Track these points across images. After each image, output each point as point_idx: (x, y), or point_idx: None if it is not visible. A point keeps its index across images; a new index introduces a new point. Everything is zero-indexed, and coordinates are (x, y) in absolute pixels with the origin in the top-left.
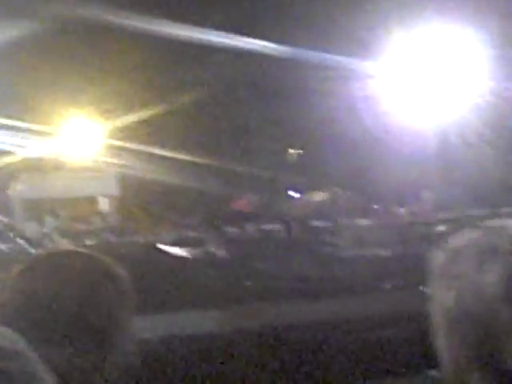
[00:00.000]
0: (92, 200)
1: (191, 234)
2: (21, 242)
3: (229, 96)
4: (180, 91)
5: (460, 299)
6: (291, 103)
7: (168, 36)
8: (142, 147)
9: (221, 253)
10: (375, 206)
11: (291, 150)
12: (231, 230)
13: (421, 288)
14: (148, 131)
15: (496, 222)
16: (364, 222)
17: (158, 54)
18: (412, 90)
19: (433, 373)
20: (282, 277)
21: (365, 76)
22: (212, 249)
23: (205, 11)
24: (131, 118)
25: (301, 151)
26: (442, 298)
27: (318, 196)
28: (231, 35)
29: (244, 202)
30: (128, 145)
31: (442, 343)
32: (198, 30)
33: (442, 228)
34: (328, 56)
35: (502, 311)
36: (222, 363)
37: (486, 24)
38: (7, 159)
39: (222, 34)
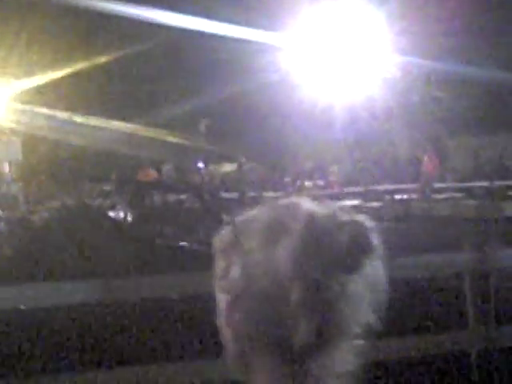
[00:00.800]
0: None
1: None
2: None
3: (138, 63)
4: (88, 55)
5: (246, 275)
6: (201, 74)
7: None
8: (47, 111)
9: (128, 220)
10: (286, 179)
11: (203, 120)
12: (139, 199)
13: None
14: (55, 95)
15: (286, 200)
16: (271, 194)
17: (64, 20)
18: (319, 63)
19: None
20: (187, 246)
21: (274, 48)
22: (121, 216)
23: None
24: (36, 81)
25: (209, 122)
26: (226, 274)
27: (226, 167)
28: (141, 7)
29: (152, 172)
30: (33, 108)
31: (226, 321)
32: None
33: (348, 202)
34: (237, 28)
35: (289, 288)
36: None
37: None
38: None
39: (133, 5)
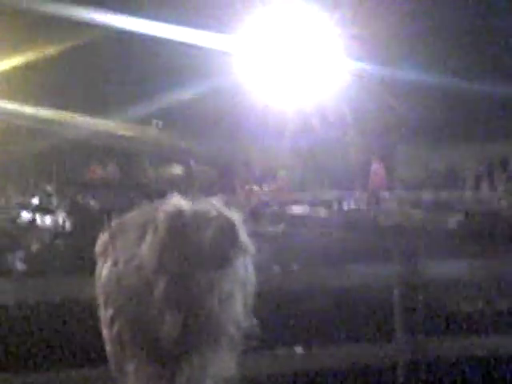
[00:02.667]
0: None
1: (45, 200)
2: None
3: (90, 59)
4: (38, 47)
5: (115, 273)
6: (152, 78)
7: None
8: None
9: (70, 222)
10: (234, 183)
11: (155, 121)
12: (86, 200)
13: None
14: (5, 86)
15: (160, 202)
16: (219, 198)
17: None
18: (272, 69)
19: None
20: None
21: (226, 54)
22: (62, 217)
23: None
24: None
25: (160, 123)
26: (103, 273)
27: (174, 169)
28: (89, 10)
29: (101, 171)
30: None
31: (101, 322)
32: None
33: (295, 209)
34: (187, 30)
35: (154, 283)
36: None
37: (342, 3)
38: None
39: (76, 6)
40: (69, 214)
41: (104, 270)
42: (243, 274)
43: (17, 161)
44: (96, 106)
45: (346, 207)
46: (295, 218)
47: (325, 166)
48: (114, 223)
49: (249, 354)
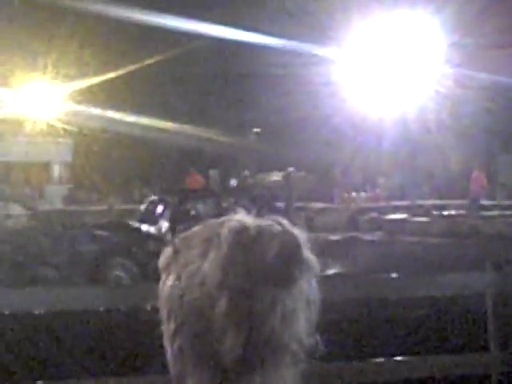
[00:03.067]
0: (46, 166)
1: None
2: None
3: (191, 68)
4: (140, 57)
5: (178, 288)
6: (253, 86)
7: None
8: (100, 111)
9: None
10: (334, 190)
11: (253, 130)
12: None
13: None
14: (106, 95)
15: (223, 218)
16: (318, 204)
17: (116, 22)
18: (372, 76)
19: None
20: None
21: (325, 61)
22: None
23: None
24: (89, 81)
25: (259, 131)
26: (165, 288)
27: (274, 176)
28: (191, 20)
29: (200, 178)
30: (86, 109)
31: (164, 337)
32: (155, 14)
33: (393, 216)
34: (289, 41)
35: (217, 299)
36: None
37: (444, 11)
38: None
39: (180, 18)
40: (172, 221)
41: (167, 284)
42: (307, 292)
43: (120, 168)
44: (196, 114)
45: (446, 214)
46: (394, 224)
47: (425, 173)
48: (178, 238)
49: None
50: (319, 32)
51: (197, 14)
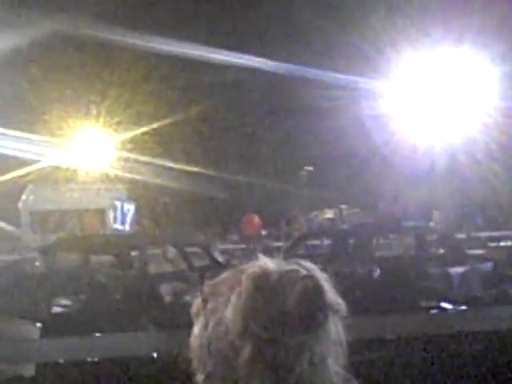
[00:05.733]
0: (101, 212)
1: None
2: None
3: (237, 111)
4: (188, 104)
5: (207, 336)
6: (302, 121)
7: (176, 53)
8: (152, 159)
9: None
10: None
11: (305, 168)
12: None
13: None
14: (158, 143)
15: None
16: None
17: (167, 69)
18: (421, 108)
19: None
20: None
21: (375, 95)
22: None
23: (213, 30)
24: (141, 129)
25: (311, 168)
26: (194, 336)
27: (327, 214)
28: (239, 54)
29: (255, 221)
30: (138, 156)
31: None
32: (205, 48)
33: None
34: (338, 75)
35: (240, 347)
36: None
37: (494, 43)
38: (18, 171)
39: (229, 51)
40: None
41: (195, 333)
42: (335, 334)
43: (172, 213)
44: (246, 160)
45: (503, 246)
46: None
47: (477, 206)
48: (206, 285)
49: None
50: (367, 65)
51: (249, 49)
